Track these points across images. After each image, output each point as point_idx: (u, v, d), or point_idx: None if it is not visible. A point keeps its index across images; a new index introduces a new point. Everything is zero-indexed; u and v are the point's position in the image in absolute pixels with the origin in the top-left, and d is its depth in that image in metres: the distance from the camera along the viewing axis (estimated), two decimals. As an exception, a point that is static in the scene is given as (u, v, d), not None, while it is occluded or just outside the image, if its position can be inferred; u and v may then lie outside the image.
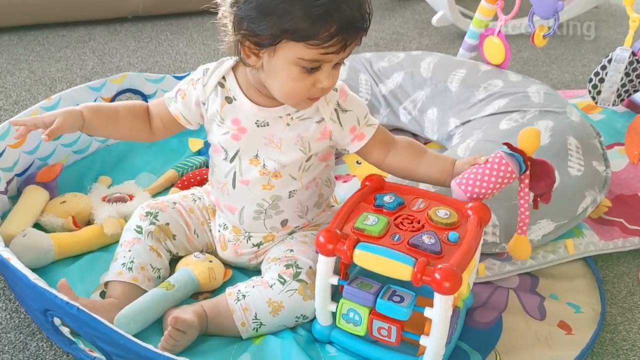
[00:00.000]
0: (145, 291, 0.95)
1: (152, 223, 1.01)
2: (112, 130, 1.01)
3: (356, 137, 0.97)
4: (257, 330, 0.92)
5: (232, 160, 0.97)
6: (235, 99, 0.94)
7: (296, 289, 0.92)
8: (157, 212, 1.02)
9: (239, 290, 0.93)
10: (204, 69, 0.96)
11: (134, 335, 0.81)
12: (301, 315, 0.93)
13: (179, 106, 0.98)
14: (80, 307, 0.80)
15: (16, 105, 1.59)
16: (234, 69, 0.94)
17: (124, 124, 0.99)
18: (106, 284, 0.97)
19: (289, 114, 0.93)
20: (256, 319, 0.91)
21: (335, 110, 0.94)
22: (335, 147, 1.00)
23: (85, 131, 0.98)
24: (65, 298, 0.82)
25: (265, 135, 0.94)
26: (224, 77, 0.95)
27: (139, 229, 1.00)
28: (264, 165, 0.95)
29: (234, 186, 0.98)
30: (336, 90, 0.95)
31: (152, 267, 0.98)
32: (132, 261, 0.96)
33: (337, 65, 0.88)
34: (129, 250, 0.98)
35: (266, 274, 0.96)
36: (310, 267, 0.94)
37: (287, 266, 0.94)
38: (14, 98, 1.63)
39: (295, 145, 0.94)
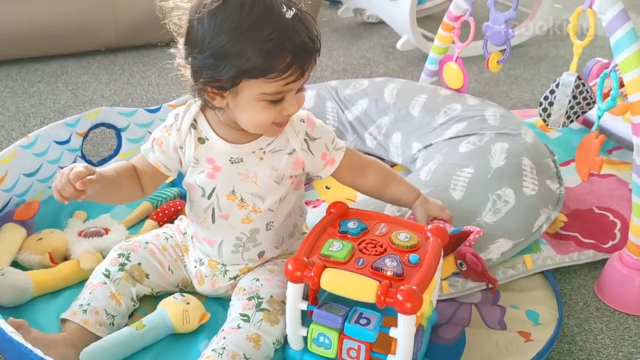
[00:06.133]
0: (94, 334, 0.96)
1: (122, 265, 1.03)
2: (114, 198, 1.01)
3: (328, 162, 1.02)
4: None
5: (209, 197, 0.99)
6: (207, 139, 0.97)
7: (262, 319, 0.94)
8: (129, 253, 1.04)
9: (213, 350, 0.91)
10: (174, 114, 0.98)
11: None
12: (276, 341, 0.95)
13: (157, 155, 0.99)
14: None
15: (-9, 142, 1.61)
16: (202, 110, 0.97)
17: (125, 190, 0.98)
18: (63, 320, 0.98)
19: (261, 148, 0.97)
20: (246, 358, 0.91)
21: (305, 140, 0.98)
22: (306, 175, 1.04)
23: (93, 197, 0.92)
24: (40, 353, 0.82)
25: (240, 171, 0.97)
26: (194, 119, 0.97)
27: (107, 273, 1.02)
28: (242, 199, 0.98)
29: (213, 221, 1.01)
30: (303, 121, 0.99)
31: (106, 313, 0.98)
32: (88, 304, 0.98)
33: (300, 90, 0.91)
34: (90, 293, 1.00)
35: (231, 310, 0.98)
36: (272, 296, 0.97)
37: (249, 299, 0.97)
38: (-12, 135, 1.65)
39: (270, 178, 0.98)
